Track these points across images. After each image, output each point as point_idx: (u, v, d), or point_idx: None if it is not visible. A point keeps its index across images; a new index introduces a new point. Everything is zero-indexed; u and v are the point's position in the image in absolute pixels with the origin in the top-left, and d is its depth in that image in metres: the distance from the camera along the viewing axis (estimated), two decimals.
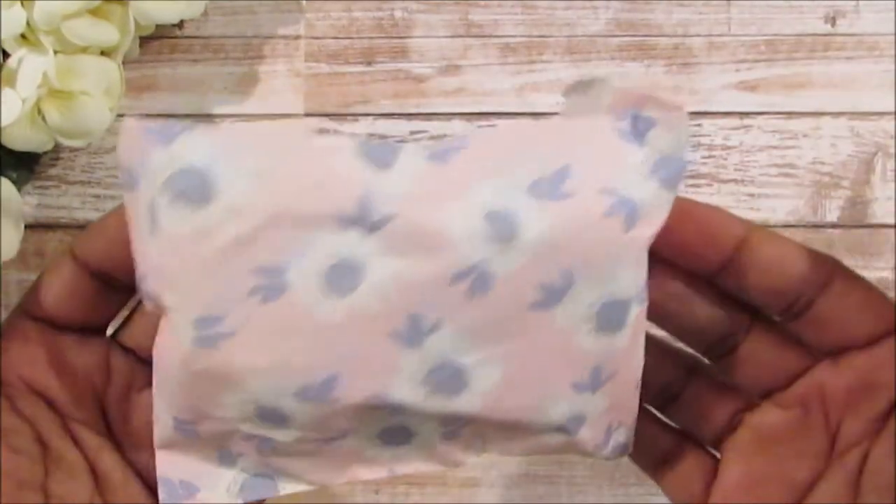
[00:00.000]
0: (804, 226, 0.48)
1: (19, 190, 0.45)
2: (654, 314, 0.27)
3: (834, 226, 0.48)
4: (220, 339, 0.24)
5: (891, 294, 0.48)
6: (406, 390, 0.26)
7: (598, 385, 0.27)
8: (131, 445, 0.29)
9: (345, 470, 0.29)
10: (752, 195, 0.48)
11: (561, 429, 0.28)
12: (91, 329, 0.28)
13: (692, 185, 0.48)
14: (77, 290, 0.27)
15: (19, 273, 0.48)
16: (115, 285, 0.27)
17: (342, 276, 0.24)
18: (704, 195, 0.48)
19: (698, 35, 0.49)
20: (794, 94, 0.48)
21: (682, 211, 0.27)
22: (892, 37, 0.48)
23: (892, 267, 0.48)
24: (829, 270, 0.27)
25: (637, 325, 0.27)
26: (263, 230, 0.24)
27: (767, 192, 0.48)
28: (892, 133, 0.48)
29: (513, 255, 0.25)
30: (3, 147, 0.43)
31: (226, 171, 0.23)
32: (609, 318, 0.26)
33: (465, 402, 0.26)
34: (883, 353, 0.26)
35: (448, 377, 0.26)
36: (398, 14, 0.49)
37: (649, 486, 0.47)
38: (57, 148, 0.46)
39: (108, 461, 0.28)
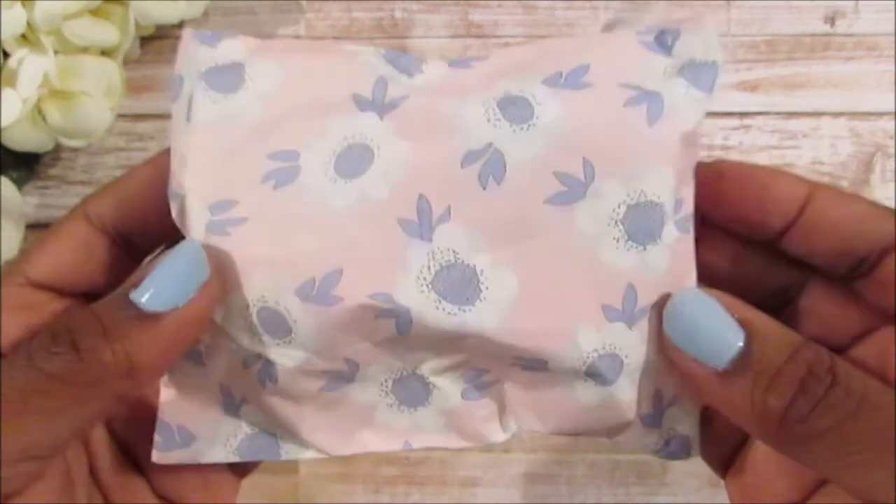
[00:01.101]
0: None
1: (20, 190, 0.45)
2: (705, 275, 0.25)
3: None
4: (231, 226, 0.23)
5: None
6: (413, 292, 0.23)
7: (633, 317, 0.24)
8: (135, 423, 0.27)
9: (354, 436, 0.26)
10: None
11: (594, 372, 0.24)
12: (96, 295, 0.27)
13: None
14: (92, 254, 0.25)
15: None
16: (130, 250, 0.26)
17: (353, 159, 0.24)
18: None
19: None
20: (794, 94, 0.48)
21: (740, 177, 0.25)
22: (892, 37, 0.48)
23: None
24: None
25: (677, 255, 0.25)
26: (284, 114, 0.24)
27: None
28: (892, 133, 0.48)
29: (527, 139, 0.24)
30: (4, 147, 0.43)
31: (259, 65, 0.24)
32: (639, 224, 0.24)
33: (480, 315, 0.24)
34: None
35: (459, 280, 0.24)
36: (398, 14, 0.49)
37: (649, 486, 0.47)
38: (57, 148, 0.46)
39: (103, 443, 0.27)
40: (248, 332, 0.24)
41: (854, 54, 0.48)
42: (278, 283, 0.23)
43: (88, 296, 0.26)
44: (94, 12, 0.43)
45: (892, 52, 0.48)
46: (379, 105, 0.24)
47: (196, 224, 0.23)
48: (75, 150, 0.48)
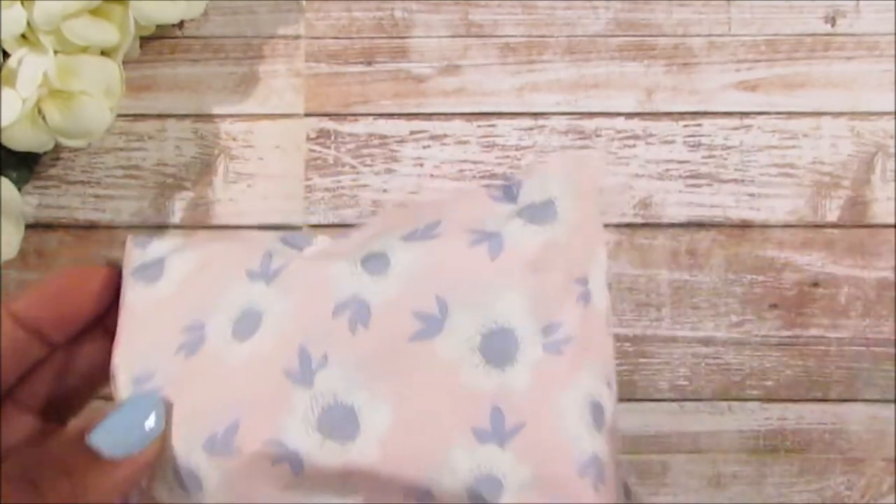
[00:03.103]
0: (804, 226, 0.48)
1: (19, 190, 0.45)
2: None
3: (834, 226, 0.48)
4: (151, 394, 0.27)
5: (891, 294, 0.48)
6: (301, 434, 0.26)
7: (503, 436, 0.26)
8: None
9: None
10: (752, 195, 0.48)
11: (475, 496, 0.26)
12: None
13: (692, 185, 0.48)
14: (9, 343, 0.28)
15: (19, 273, 0.48)
16: (44, 340, 0.28)
17: (246, 323, 0.28)
18: (705, 195, 0.48)
19: (698, 35, 0.49)
20: (794, 94, 0.48)
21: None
22: (892, 37, 0.48)
23: (892, 267, 0.48)
24: None
25: (543, 373, 0.27)
26: (195, 293, 0.28)
27: (767, 192, 0.48)
28: (892, 133, 0.48)
29: (386, 284, 0.27)
30: (4, 147, 0.43)
31: (177, 256, 0.29)
32: (495, 349, 0.27)
33: (362, 449, 0.26)
34: None
35: (341, 418, 0.26)
36: (398, 14, 0.49)
37: (649, 486, 0.47)
38: (57, 148, 0.46)
39: None
40: (168, 486, 0.27)
41: (854, 54, 0.48)
42: (188, 439, 0.26)
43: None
44: (94, 12, 0.43)
45: (893, 52, 0.48)
46: (266, 275, 0.28)
47: (123, 394, 0.27)
48: (75, 150, 0.48)
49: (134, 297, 0.28)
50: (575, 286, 0.28)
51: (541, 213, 0.28)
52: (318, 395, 0.26)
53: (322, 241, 0.30)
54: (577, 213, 0.29)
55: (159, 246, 0.30)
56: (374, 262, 0.28)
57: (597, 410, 0.28)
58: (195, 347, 0.28)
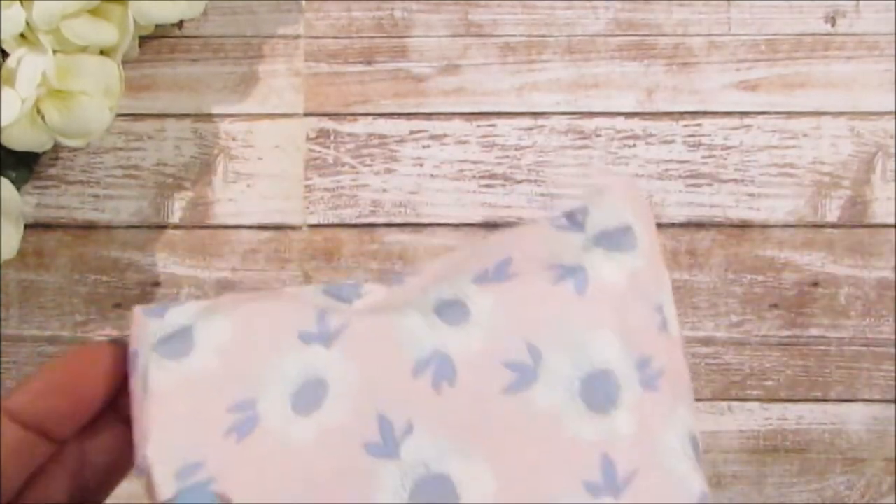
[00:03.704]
0: (804, 226, 0.48)
1: (19, 190, 0.44)
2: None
3: (834, 226, 0.48)
4: (202, 488, 0.24)
5: (891, 294, 0.48)
6: None
7: (617, 487, 0.24)
8: None
9: None
10: (752, 195, 0.48)
11: None
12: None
13: (692, 185, 0.48)
14: (10, 446, 0.24)
15: (18, 273, 0.48)
16: (50, 437, 0.25)
17: (308, 394, 0.24)
18: (705, 195, 0.48)
19: (698, 35, 0.49)
20: (794, 93, 0.48)
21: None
22: (892, 37, 0.48)
23: (892, 267, 0.48)
24: None
25: (646, 412, 0.25)
26: (236, 366, 0.25)
27: (767, 192, 0.48)
28: (892, 133, 0.48)
29: (469, 335, 0.25)
30: (3, 147, 0.43)
31: (207, 324, 0.25)
32: (596, 393, 0.25)
33: None
34: None
35: (437, 491, 0.24)
36: (398, 14, 0.49)
37: None
38: (56, 148, 0.46)
39: None
40: None
41: (854, 54, 0.48)
42: None
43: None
44: (93, 12, 0.43)
45: (893, 52, 0.48)
46: (324, 336, 0.25)
47: (165, 494, 0.23)
48: (74, 149, 0.48)
49: (161, 376, 0.25)
50: (655, 315, 0.26)
51: (621, 240, 0.26)
52: (407, 467, 0.24)
53: (373, 289, 0.27)
54: (648, 237, 0.27)
55: (179, 314, 0.26)
56: (451, 310, 0.25)
57: (695, 444, 0.26)
58: (248, 429, 0.24)
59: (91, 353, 0.25)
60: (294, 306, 0.26)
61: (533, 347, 0.25)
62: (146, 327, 0.25)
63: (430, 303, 0.26)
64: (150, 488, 0.24)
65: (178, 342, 0.25)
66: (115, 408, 0.26)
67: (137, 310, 0.26)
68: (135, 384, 0.25)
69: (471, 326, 0.25)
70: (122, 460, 0.25)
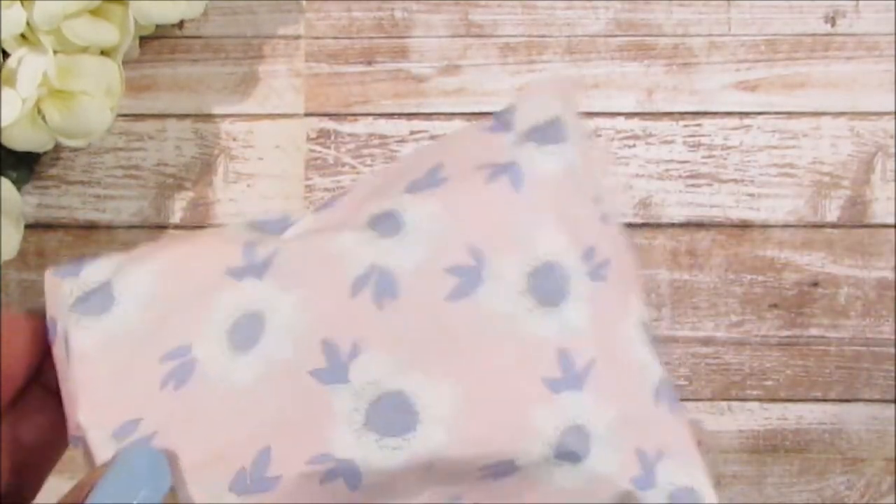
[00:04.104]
0: (804, 226, 0.48)
1: (19, 190, 0.45)
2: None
3: (834, 226, 0.48)
4: (143, 444, 0.22)
5: (891, 294, 0.48)
6: (351, 440, 0.22)
7: (578, 379, 0.23)
8: None
9: None
10: (752, 195, 0.48)
11: (564, 452, 0.23)
12: None
13: (692, 185, 0.48)
14: None
15: (19, 273, 0.48)
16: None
17: (245, 329, 0.23)
18: (705, 195, 0.48)
19: (698, 35, 0.49)
20: (794, 94, 0.48)
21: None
22: (892, 37, 0.48)
23: (892, 267, 0.48)
24: None
25: (597, 303, 0.24)
26: (165, 313, 0.23)
27: (767, 192, 0.48)
28: (892, 133, 0.48)
29: (407, 246, 0.24)
30: (4, 147, 0.43)
31: (127, 275, 0.24)
32: (545, 287, 0.24)
33: (427, 438, 0.22)
34: None
35: (393, 409, 0.22)
36: (398, 14, 0.49)
37: None
38: (57, 148, 0.46)
39: None
40: None
41: (854, 54, 0.48)
42: (209, 486, 0.22)
43: None
44: (94, 12, 0.43)
45: (893, 52, 0.48)
46: (254, 269, 0.24)
47: (104, 456, 0.22)
48: (75, 149, 0.48)
49: (83, 336, 0.23)
50: (595, 205, 0.25)
51: (551, 133, 0.25)
52: (359, 389, 0.23)
53: (302, 217, 0.25)
54: (578, 130, 0.26)
55: (95, 268, 0.24)
56: (385, 222, 0.24)
57: (649, 331, 0.26)
58: (185, 375, 0.23)
59: (6, 328, 0.23)
60: (218, 244, 0.24)
61: (475, 249, 0.24)
62: (60, 288, 0.24)
63: (363, 219, 0.24)
64: (88, 456, 0.23)
65: (97, 299, 0.24)
66: (43, 382, 0.24)
67: (49, 273, 0.24)
68: (58, 351, 0.24)
69: (408, 236, 0.24)
70: (58, 435, 0.24)
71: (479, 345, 0.23)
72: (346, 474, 0.22)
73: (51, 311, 0.24)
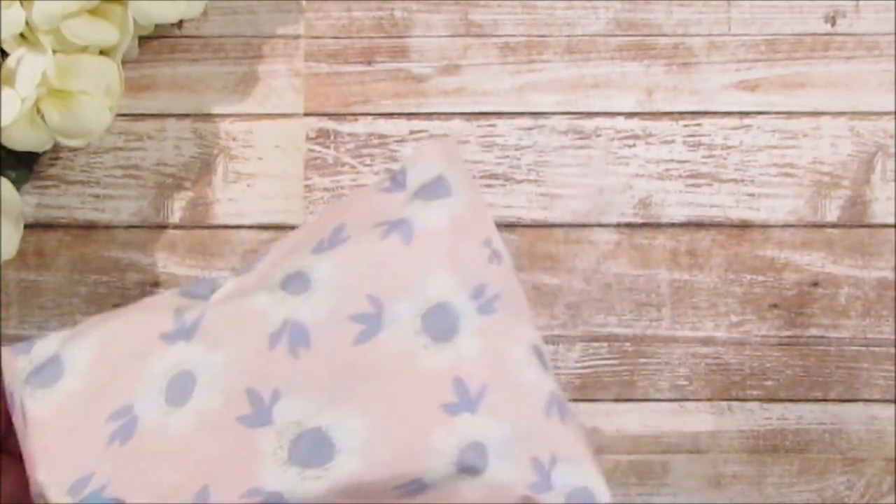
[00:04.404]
0: (804, 226, 0.48)
1: (19, 190, 0.44)
2: None
3: (834, 226, 0.48)
4: (97, 496, 0.25)
5: (891, 294, 0.48)
6: (277, 474, 0.25)
7: (472, 402, 0.27)
8: None
9: None
10: (752, 195, 0.48)
11: (465, 467, 0.26)
12: None
13: (692, 185, 0.48)
14: None
15: (18, 273, 0.48)
16: None
17: (179, 387, 0.26)
18: (705, 195, 0.48)
19: (698, 35, 0.49)
20: (794, 93, 0.48)
21: None
22: (892, 37, 0.48)
23: (892, 267, 0.48)
24: None
25: (487, 333, 0.27)
26: (108, 377, 0.26)
27: (767, 192, 0.48)
28: (892, 133, 0.48)
29: (315, 300, 0.27)
30: (3, 147, 0.43)
31: (73, 347, 0.27)
32: (437, 326, 0.27)
33: (343, 466, 0.26)
34: None
35: (312, 444, 0.26)
36: (398, 14, 0.49)
37: (649, 486, 0.47)
38: (56, 148, 0.46)
39: None
40: None
41: (854, 54, 0.48)
42: None
43: None
44: (93, 12, 0.43)
45: (893, 52, 0.48)
46: (183, 332, 0.27)
47: None
48: (74, 149, 0.48)
49: (36, 405, 0.26)
50: (483, 248, 0.29)
51: (436, 189, 0.29)
52: (282, 428, 0.26)
53: (225, 280, 0.29)
54: (463, 182, 0.29)
55: (45, 345, 0.28)
56: (294, 282, 0.28)
57: (539, 353, 0.28)
58: (129, 431, 0.26)
59: None
60: (152, 312, 0.28)
61: (373, 298, 0.27)
62: (15, 364, 0.27)
63: (275, 280, 0.28)
64: None
65: (47, 371, 0.27)
66: (8, 448, 0.27)
67: (5, 350, 0.27)
68: (16, 419, 0.27)
69: (315, 291, 0.27)
70: (26, 494, 0.26)
71: (383, 381, 0.27)
72: None
73: (8, 385, 0.27)
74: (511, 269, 0.30)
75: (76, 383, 0.27)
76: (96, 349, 0.27)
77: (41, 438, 0.26)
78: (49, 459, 0.26)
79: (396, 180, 0.30)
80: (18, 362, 0.27)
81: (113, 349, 0.27)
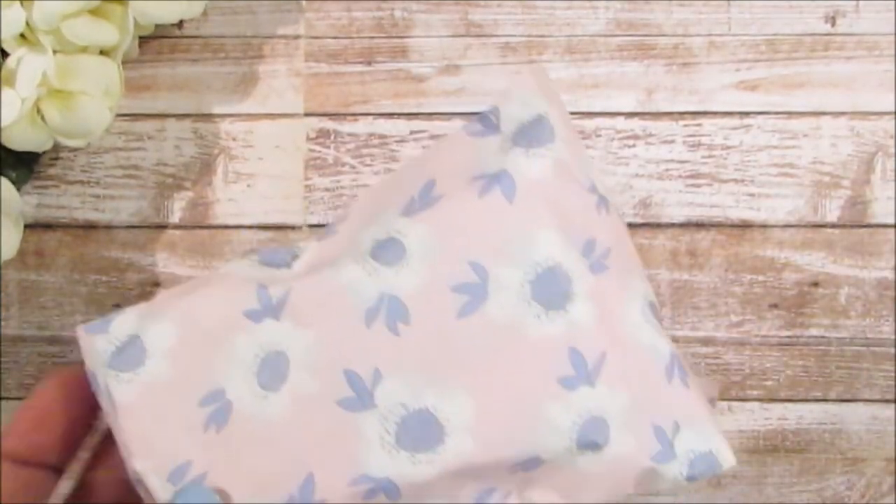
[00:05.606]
0: (804, 226, 0.48)
1: (19, 190, 0.44)
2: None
3: (834, 226, 0.48)
4: (197, 484, 0.24)
5: (891, 294, 0.48)
6: (384, 459, 0.24)
7: (590, 375, 0.25)
8: None
9: None
10: (752, 195, 0.48)
11: (586, 443, 0.25)
12: None
13: (692, 185, 0.48)
14: (12, 488, 0.25)
15: (18, 273, 0.48)
16: (49, 468, 0.26)
17: (271, 369, 0.25)
18: (705, 195, 0.48)
19: (698, 35, 0.49)
20: (794, 93, 0.48)
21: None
22: (892, 37, 0.48)
23: (892, 267, 0.48)
24: None
25: (601, 294, 0.25)
26: (194, 361, 0.25)
27: (767, 192, 0.48)
28: (892, 133, 0.48)
29: (412, 271, 0.25)
30: (3, 147, 0.43)
31: (152, 328, 0.25)
32: (548, 291, 0.25)
33: (455, 448, 0.24)
34: None
35: (420, 426, 0.24)
36: (398, 14, 0.49)
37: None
38: (56, 148, 0.46)
39: None
40: None
41: (855, 54, 0.48)
42: None
43: None
44: (93, 12, 0.43)
45: (893, 52, 0.48)
46: (270, 310, 0.25)
47: (163, 498, 0.24)
48: (74, 149, 0.48)
49: (123, 390, 0.25)
50: (590, 196, 0.26)
51: (537, 133, 0.26)
52: (386, 412, 0.24)
53: (307, 247, 0.27)
54: (564, 121, 0.27)
55: (122, 323, 0.26)
56: (386, 250, 0.25)
57: (654, 308, 0.27)
58: (224, 417, 0.25)
59: (59, 382, 0.26)
60: (231, 288, 0.26)
61: (476, 265, 0.25)
62: (94, 344, 0.25)
63: (365, 247, 0.25)
64: (148, 497, 0.25)
65: (129, 353, 0.25)
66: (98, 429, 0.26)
67: (80, 329, 0.26)
68: (103, 402, 0.25)
69: (410, 261, 0.25)
70: (122, 484, 0.26)
71: (493, 355, 0.25)
72: (385, 490, 0.24)
73: (90, 367, 0.25)
74: (618, 216, 0.27)
75: (161, 366, 0.25)
76: (178, 328, 0.25)
77: (132, 425, 0.25)
78: (143, 447, 0.25)
79: (489, 122, 0.27)
80: (97, 342, 0.25)
81: (195, 328, 0.25)
